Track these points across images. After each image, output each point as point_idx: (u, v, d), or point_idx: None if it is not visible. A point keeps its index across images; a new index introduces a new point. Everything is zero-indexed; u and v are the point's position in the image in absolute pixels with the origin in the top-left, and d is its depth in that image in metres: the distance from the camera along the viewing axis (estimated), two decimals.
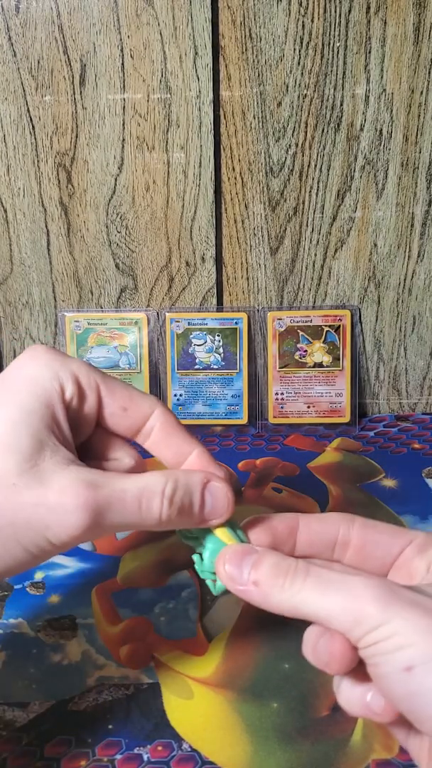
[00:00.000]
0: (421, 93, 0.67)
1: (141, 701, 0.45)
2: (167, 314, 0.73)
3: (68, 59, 0.65)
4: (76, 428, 0.36)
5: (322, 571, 0.32)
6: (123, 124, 0.67)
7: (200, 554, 0.38)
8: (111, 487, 0.33)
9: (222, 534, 0.38)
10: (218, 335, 0.73)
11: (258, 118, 0.67)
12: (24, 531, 0.32)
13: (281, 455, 0.71)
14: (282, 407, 0.74)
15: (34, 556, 0.34)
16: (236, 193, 0.70)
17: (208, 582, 0.39)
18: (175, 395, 0.74)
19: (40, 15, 0.64)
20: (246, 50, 0.65)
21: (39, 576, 0.55)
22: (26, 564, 0.34)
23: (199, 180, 0.69)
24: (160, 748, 0.42)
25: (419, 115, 0.67)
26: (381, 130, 0.68)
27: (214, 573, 0.39)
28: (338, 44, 0.65)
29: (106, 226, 0.71)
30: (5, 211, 0.70)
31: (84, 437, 0.38)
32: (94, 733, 0.43)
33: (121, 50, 0.65)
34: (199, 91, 0.66)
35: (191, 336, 0.73)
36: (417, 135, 0.68)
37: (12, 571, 0.34)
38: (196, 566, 0.39)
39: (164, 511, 0.34)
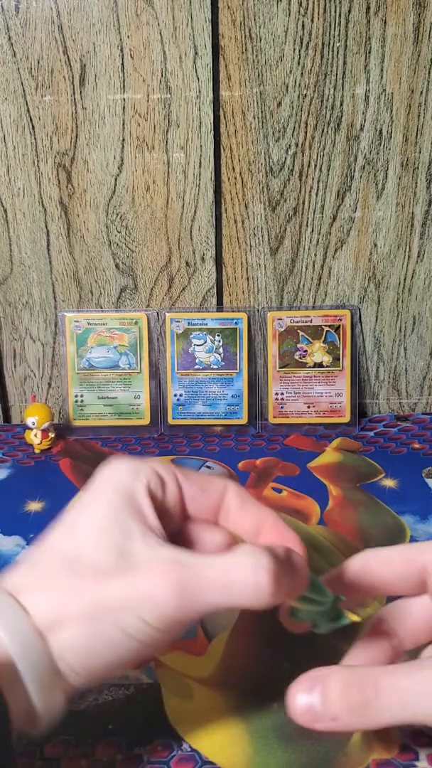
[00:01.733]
0: (421, 93, 0.67)
1: (141, 701, 0.45)
2: (167, 314, 0.73)
3: (68, 59, 0.65)
4: (164, 517, 0.39)
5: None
6: (123, 124, 0.67)
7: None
8: (197, 564, 0.35)
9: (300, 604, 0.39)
10: (218, 335, 0.73)
11: (258, 118, 0.67)
12: (120, 615, 0.34)
13: (281, 455, 0.71)
14: (282, 407, 0.74)
15: (138, 641, 0.35)
16: (236, 193, 0.70)
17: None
18: (175, 395, 0.74)
19: (40, 15, 0.64)
20: (246, 50, 0.65)
21: None
22: (134, 651, 0.35)
23: (199, 180, 0.69)
24: (160, 748, 0.42)
25: (419, 115, 0.67)
26: (381, 130, 0.68)
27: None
28: (338, 44, 0.65)
29: (106, 226, 0.71)
30: (5, 211, 0.70)
31: (173, 526, 0.40)
32: (94, 733, 0.43)
33: (121, 50, 0.65)
34: (199, 91, 0.66)
35: (191, 336, 0.73)
36: (417, 135, 0.68)
37: (125, 663, 0.36)
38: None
39: (266, 586, 0.34)
